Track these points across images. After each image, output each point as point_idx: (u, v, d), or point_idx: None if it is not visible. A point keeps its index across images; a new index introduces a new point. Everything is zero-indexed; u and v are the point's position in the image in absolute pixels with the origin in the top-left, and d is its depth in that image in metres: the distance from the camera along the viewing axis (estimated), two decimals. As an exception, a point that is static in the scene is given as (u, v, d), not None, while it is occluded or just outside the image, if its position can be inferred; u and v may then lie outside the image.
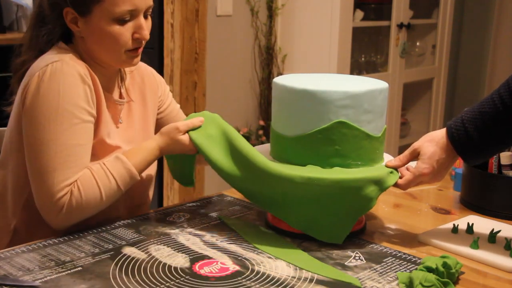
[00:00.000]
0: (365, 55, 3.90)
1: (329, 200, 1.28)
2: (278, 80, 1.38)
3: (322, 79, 1.42)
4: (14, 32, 3.98)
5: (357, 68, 3.81)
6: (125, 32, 1.38)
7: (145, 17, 1.42)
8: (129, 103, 1.54)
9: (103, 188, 1.35)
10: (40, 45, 1.44)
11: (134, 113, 1.55)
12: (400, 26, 3.77)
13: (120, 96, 1.53)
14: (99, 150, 1.42)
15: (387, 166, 1.36)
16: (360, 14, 3.64)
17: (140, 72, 1.60)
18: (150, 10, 1.43)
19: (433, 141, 1.33)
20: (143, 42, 1.43)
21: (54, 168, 1.31)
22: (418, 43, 4.23)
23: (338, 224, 1.30)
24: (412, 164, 1.37)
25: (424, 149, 1.33)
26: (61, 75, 1.33)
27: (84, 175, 1.34)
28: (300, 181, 1.27)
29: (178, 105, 1.75)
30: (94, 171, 1.36)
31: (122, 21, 1.37)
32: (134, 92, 1.57)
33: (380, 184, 1.30)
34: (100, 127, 1.42)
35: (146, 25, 1.41)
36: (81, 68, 1.36)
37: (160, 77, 1.68)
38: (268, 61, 3.51)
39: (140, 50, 1.44)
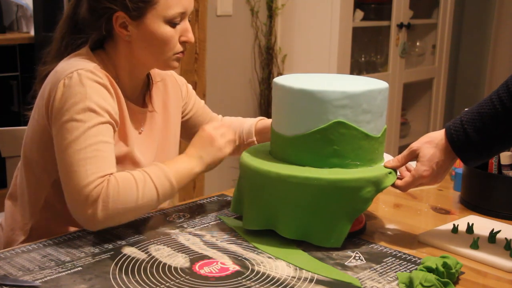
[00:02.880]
0: (365, 55, 3.90)
1: (326, 202, 1.28)
2: (277, 80, 1.38)
3: (322, 79, 1.42)
4: (14, 32, 3.99)
5: (357, 68, 3.82)
6: (175, 35, 1.42)
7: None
8: (151, 112, 1.55)
9: (141, 187, 1.31)
10: (69, 53, 1.45)
11: (156, 122, 1.56)
12: (400, 26, 3.77)
13: (143, 105, 1.54)
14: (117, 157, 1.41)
15: (385, 166, 1.36)
16: (360, 14, 3.64)
17: (163, 79, 1.62)
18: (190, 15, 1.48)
19: (432, 143, 1.33)
20: (187, 46, 1.47)
21: (84, 162, 1.29)
22: (418, 43, 4.23)
23: (335, 227, 1.29)
24: (412, 163, 1.37)
25: (423, 151, 1.33)
26: (86, 80, 1.34)
27: (120, 173, 1.32)
28: (296, 181, 1.27)
29: (202, 101, 1.77)
30: (132, 172, 1.33)
31: (173, 24, 1.41)
32: (158, 101, 1.58)
33: (377, 185, 1.30)
34: (120, 134, 1.43)
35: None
36: (104, 79, 1.37)
37: (181, 78, 1.70)
38: (268, 61, 3.51)
39: (183, 55, 1.48)
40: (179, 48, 1.44)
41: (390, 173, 1.34)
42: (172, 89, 1.63)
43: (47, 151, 1.39)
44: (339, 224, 1.29)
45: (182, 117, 1.69)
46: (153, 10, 1.37)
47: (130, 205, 1.30)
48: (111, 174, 1.30)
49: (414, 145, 1.35)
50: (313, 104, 1.29)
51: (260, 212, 1.34)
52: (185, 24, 1.44)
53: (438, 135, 1.33)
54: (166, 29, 1.40)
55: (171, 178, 1.35)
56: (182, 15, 1.42)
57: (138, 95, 1.53)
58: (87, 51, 1.43)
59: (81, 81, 1.33)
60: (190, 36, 1.45)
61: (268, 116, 3.50)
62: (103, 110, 1.34)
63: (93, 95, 1.33)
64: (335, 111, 1.28)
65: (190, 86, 1.73)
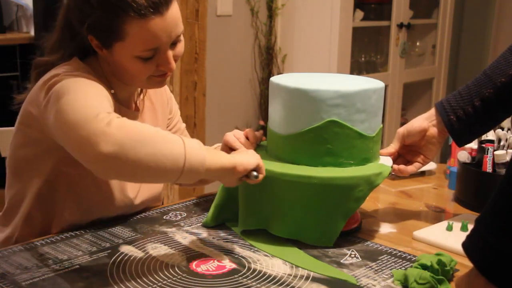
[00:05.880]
0: (365, 55, 3.90)
1: (319, 200, 1.28)
2: (273, 79, 1.40)
3: (317, 78, 1.43)
4: (14, 32, 3.99)
5: (357, 68, 3.82)
6: (148, 67, 1.32)
7: (175, 44, 1.35)
8: (141, 115, 1.52)
9: (161, 131, 1.15)
10: (67, 48, 1.40)
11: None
12: (400, 26, 3.77)
13: (136, 108, 1.51)
14: None
15: (381, 154, 1.43)
16: (360, 14, 3.64)
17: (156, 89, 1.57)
18: (181, 35, 1.35)
19: (420, 118, 1.45)
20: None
21: (90, 105, 1.15)
22: (418, 43, 4.23)
23: (328, 226, 1.30)
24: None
25: (411, 123, 1.45)
26: (73, 76, 1.28)
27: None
28: (289, 180, 1.28)
29: (184, 125, 1.72)
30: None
31: (144, 59, 1.31)
32: (146, 104, 1.55)
33: (370, 183, 1.30)
34: None
35: (174, 54, 1.35)
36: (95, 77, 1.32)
37: (170, 93, 1.67)
38: (268, 61, 3.52)
39: (168, 75, 1.38)
40: (156, 72, 1.35)
41: (380, 173, 1.33)
42: (159, 94, 1.59)
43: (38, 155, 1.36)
44: (332, 223, 1.30)
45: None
46: (120, 44, 1.29)
47: (149, 134, 1.11)
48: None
49: (400, 129, 1.46)
50: (307, 103, 1.30)
51: (254, 211, 1.35)
52: (164, 55, 1.32)
53: (425, 114, 1.46)
54: (136, 64, 1.31)
55: (198, 141, 1.19)
56: (157, 49, 1.30)
57: (132, 101, 1.50)
58: (74, 60, 1.38)
59: (69, 76, 1.27)
60: (168, 68, 1.33)
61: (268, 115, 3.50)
62: (104, 90, 1.27)
63: (87, 78, 1.27)
64: (329, 110, 1.29)
65: (177, 106, 1.68)
